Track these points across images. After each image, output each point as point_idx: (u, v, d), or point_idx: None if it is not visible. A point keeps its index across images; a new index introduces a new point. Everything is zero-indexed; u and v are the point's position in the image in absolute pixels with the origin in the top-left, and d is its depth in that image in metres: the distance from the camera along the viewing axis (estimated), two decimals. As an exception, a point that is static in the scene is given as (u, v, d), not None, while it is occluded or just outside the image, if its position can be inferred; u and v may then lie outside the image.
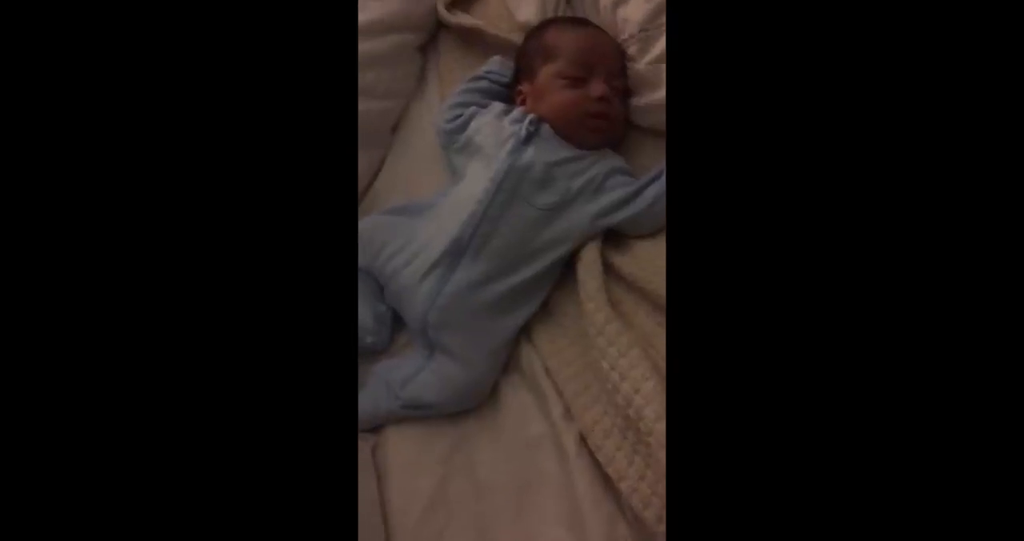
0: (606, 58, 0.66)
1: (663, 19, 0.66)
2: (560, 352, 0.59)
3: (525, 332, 0.61)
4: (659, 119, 0.66)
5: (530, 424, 0.58)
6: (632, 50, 0.68)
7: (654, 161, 0.67)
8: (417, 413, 0.59)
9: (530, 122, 0.64)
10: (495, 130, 0.65)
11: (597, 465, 0.54)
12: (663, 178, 0.63)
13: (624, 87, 0.67)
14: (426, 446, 0.58)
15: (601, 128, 0.65)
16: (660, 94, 0.65)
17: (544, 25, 0.70)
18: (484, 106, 0.69)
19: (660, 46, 0.65)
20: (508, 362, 0.61)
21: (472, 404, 0.59)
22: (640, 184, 0.63)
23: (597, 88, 0.64)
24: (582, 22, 0.70)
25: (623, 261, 0.62)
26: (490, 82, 0.72)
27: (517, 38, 0.74)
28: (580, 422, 0.55)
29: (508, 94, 0.72)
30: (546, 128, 0.64)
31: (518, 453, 0.57)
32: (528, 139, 0.63)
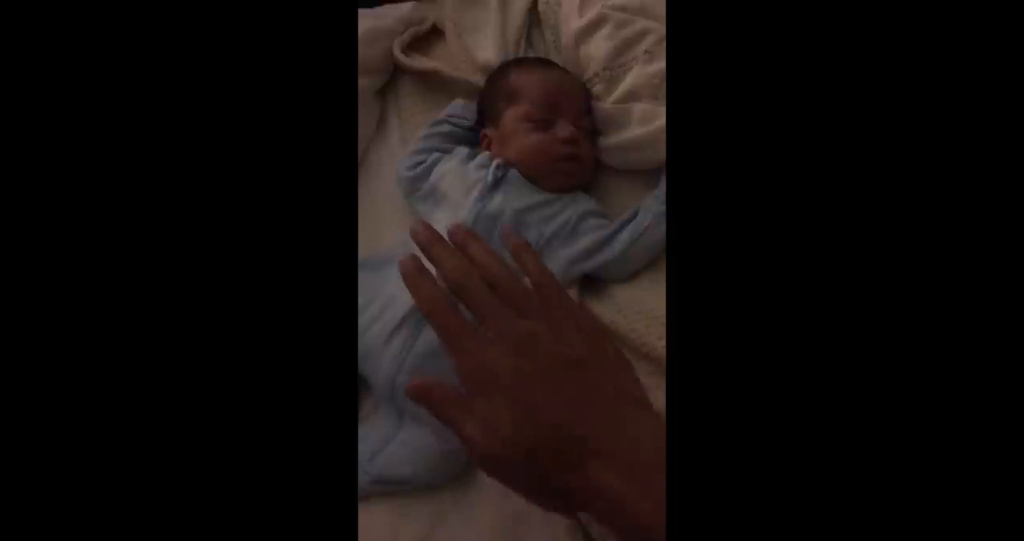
0: (571, 98, 0.64)
1: (627, 57, 0.65)
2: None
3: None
4: (629, 158, 0.64)
5: (514, 495, 0.53)
6: (597, 89, 0.66)
7: (626, 201, 0.65)
8: (388, 489, 0.54)
9: (497, 167, 0.61)
10: (460, 176, 0.62)
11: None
12: (637, 219, 0.60)
13: (591, 127, 0.65)
14: (398, 526, 0.52)
15: (571, 171, 0.62)
16: (629, 133, 0.63)
17: (505, 67, 0.68)
18: (448, 151, 0.66)
19: (626, 84, 0.63)
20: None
21: (449, 477, 0.54)
22: (615, 227, 0.60)
23: (564, 130, 0.61)
24: (545, 63, 0.68)
25: (603, 309, 0.59)
26: (452, 126, 0.69)
27: (478, 80, 0.71)
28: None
29: (472, 138, 0.69)
30: (514, 173, 0.61)
31: (503, 529, 0.51)
32: (496, 185, 0.60)
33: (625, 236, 0.59)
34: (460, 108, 0.71)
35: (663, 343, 0.54)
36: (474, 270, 0.40)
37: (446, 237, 0.42)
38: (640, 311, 0.57)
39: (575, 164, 0.62)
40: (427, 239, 0.42)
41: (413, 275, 0.40)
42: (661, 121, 0.61)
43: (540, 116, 0.62)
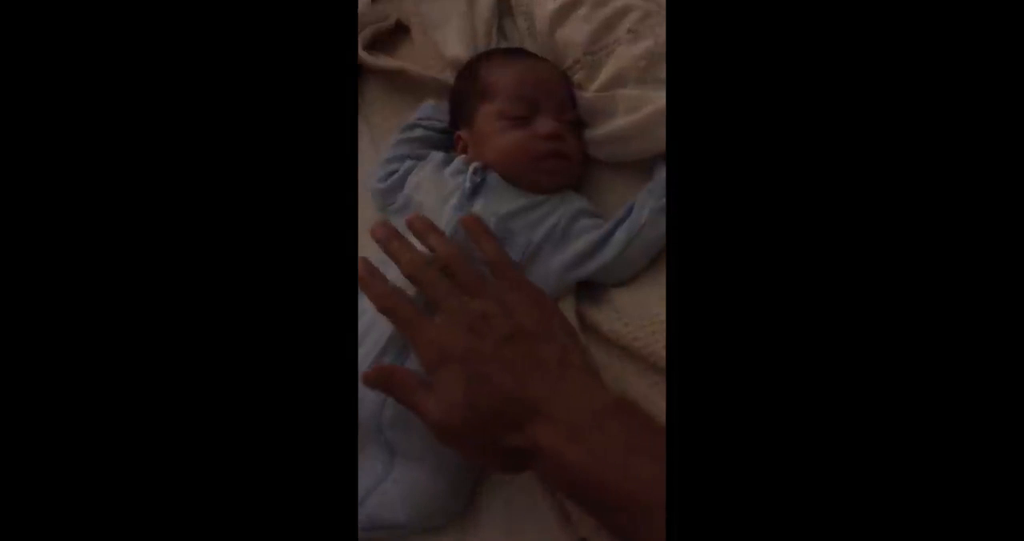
0: (551, 90, 0.58)
1: (608, 38, 0.59)
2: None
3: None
4: (619, 150, 0.59)
5: (520, 535, 0.48)
6: (579, 77, 0.60)
7: (621, 197, 0.59)
8: (380, 535, 0.48)
9: (474, 171, 0.55)
10: (436, 185, 0.56)
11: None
12: (632, 216, 0.54)
13: (576, 119, 0.60)
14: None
15: (556, 169, 0.56)
16: (617, 123, 0.57)
17: (475, 61, 0.62)
18: (421, 158, 0.61)
19: (610, 69, 0.58)
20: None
21: (447, 518, 0.49)
22: (609, 227, 0.55)
23: (545, 125, 0.56)
24: (518, 52, 0.62)
25: (602, 317, 0.53)
26: (425, 130, 0.64)
27: (449, 77, 0.66)
28: (581, 528, 0.46)
29: (448, 141, 0.63)
30: (494, 176, 0.56)
31: (509, 574, 0.47)
32: (475, 191, 0.55)
33: (621, 236, 0.54)
34: (432, 109, 0.65)
35: (672, 352, 0.49)
36: (428, 260, 0.44)
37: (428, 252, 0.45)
38: (643, 317, 0.52)
39: (560, 162, 0.56)
40: (383, 236, 0.46)
41: (364, 277, 0.44)
42: (651, 107, 0.55)
43: (517, 112, 0.56)
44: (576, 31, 0.59)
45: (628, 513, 0.34)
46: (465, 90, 0.60)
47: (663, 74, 0.56)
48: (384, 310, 0.43)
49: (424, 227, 0.48)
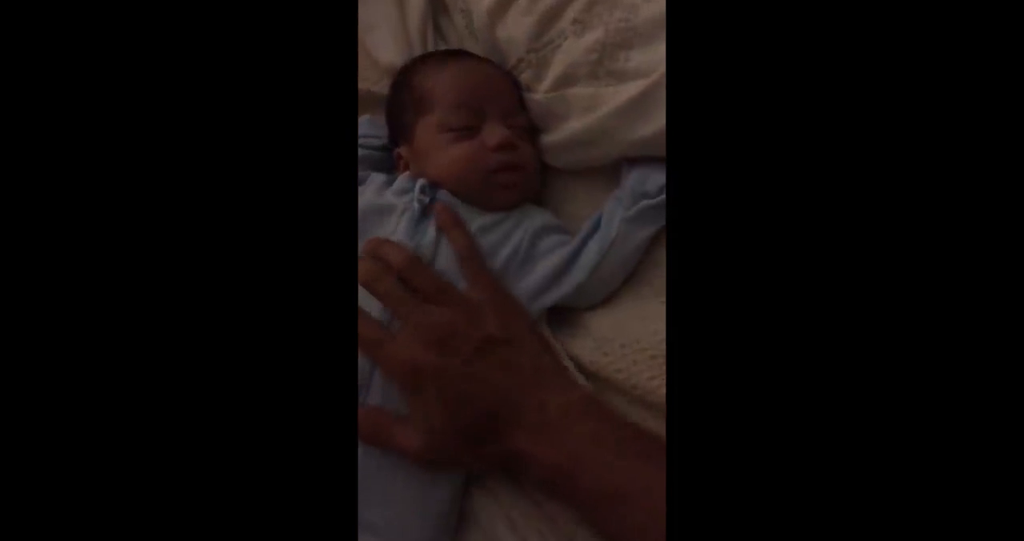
0: (496, 94, 0.52)
1: (553, 32, 0.52)
2: (524, 496, 0.44)
3: (476, 475, 0.46)
4: (576, 157, 0.52)
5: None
6: (526, 77, 0.54)
7: (586, 208, 0.53)
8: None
9: (422, 189, 0.49)
10: (380, 209, 0.50)
11: None
12: (602, 230, 0.48)
13: (528, 124, 0.53)
14: None
15: (512, 182, 0.50)
16: (572, 125, 0.51)
17: (408, 68, 0.55)
18: (361, 181, 0.54)
19: (558, 67, 0.51)
20: (460, 518, 0.45)
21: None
22: (577, 243, 0.49)
23: (494, 134, 0.49)
24: (455, 54, 0.56)
25: (578, 344, 0.48)
26: (362, 148, 0.57)
27: (384, 88, 0.59)
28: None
29: (389, 160, 0.57)
30: (444, 194, 0.50)
31: None
32: (424, 212, 0.48)
33: (591, 253, 0.48)
34: (368, 125, 0.58)
35: (657, 383, 0.43)
36: (382, 270, 0.42)
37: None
38: (623, 344, 0.46)
39: (515, 174, 0.50)
40: (365, 275, 0.43)
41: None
42: (606, 107, 0.49)
43: (461, 122, 0.50)
44: (517, 26, 0.53)
45: (608, 507, 0.35)
46: (400, 102, 0.54)
47: (619, 65, 0.50)
48: None
49: (376, 243, 0.46)
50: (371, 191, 0.52)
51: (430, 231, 0.47)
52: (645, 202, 0.47)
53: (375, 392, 0.43)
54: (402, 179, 0.51)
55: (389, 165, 0.57)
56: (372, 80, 0.62)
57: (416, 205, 0.48)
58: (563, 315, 0.50)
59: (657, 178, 0.48)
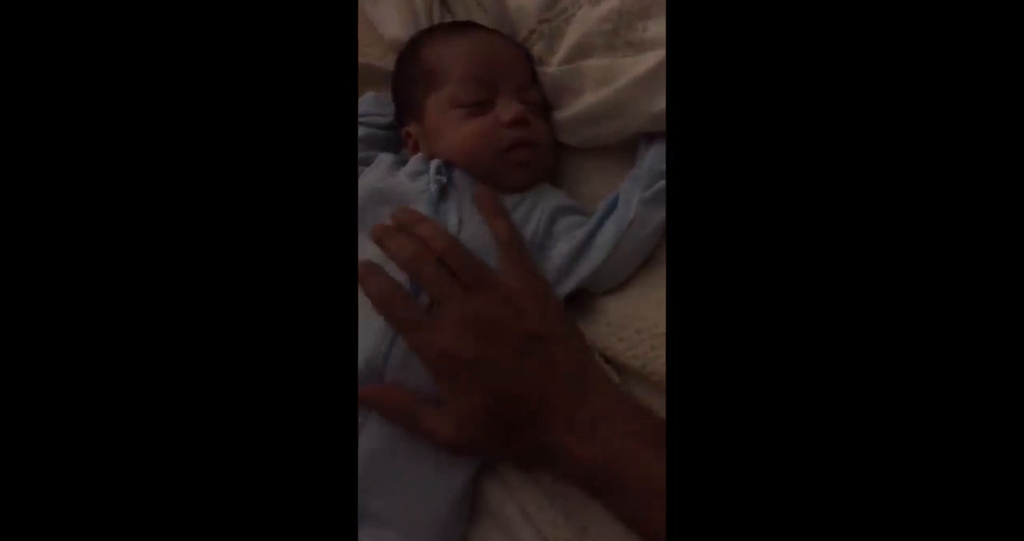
0: (509, 68, 0.49)
1: (565, 2, 0.50)
2: (537, 487, 0.42)
3: (489, 466, 0.44)
4: (591, 133, 0.50)
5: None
6: (538, 49, 0.51)
7: (602, 188, 0.51)
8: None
9: (438, 169, 0.47)
10: (391, 192, 0.47)
11: None
12: (619, 211, 0.46)
13: (540, 99, 0.51)
14: None
15: (527, 159, 0.48)
16: (587, 100, 0.48)
17: (416, 42, 0.53)
18: (367, 162, 0.52)
19: (571, 38, 0.49)
20: (472, 508, 0.44)
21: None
22: (592, 224, 0.47)
23: (508, 110, 0.47)
24: (464, 27, 0.53)
25: (595, 330, 0.46)
26: (367, 127, 0.55)
27: (389, 63, 0.57)
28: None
29: (396, 138, 0.55)
30: (460, 174, 0.47)
31: None
32: (442, 194, 0.46)
33: (608, 234, 0.46)
34: (373, 102, 0.56)
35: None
36: (422, 250, 0.41)
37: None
38: (641, 329, 0.44)
39: (530, 150, 0.48)
40: (379, 234, 0.43)
41: (362, 274, 0.41)
42: (623, 79, 0.47)
43: (472, 98, 0.47)
44: (528, -5, 0.51)
45: (657, 504, 0.34)
46: (408, 78, 0.51)
47: (636, 35, 0.47)
48: (380, 308, 0.40)
49: (411, 219, 0.43)
50: (379, 172, 0.50)
51: (452, 215, 0.45)
52: (661, 182, 0.45)
53: (392, 370, 0.41)
54: (415, 160, 0.49)
55: (396, 144, 0.55)
56: (376, 56, 0.60)
57: (434, 186, 0.46)
58: (578, 299, 0.48)
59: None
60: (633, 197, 0.46)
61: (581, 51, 0.48)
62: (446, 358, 0.38)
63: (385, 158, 0.51)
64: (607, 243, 0.46)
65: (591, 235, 0.46)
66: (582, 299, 0.48)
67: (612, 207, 0.47)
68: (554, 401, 0.38)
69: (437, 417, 0.39)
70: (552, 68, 0.50)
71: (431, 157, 0.48)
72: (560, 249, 0.46)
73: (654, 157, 0.46)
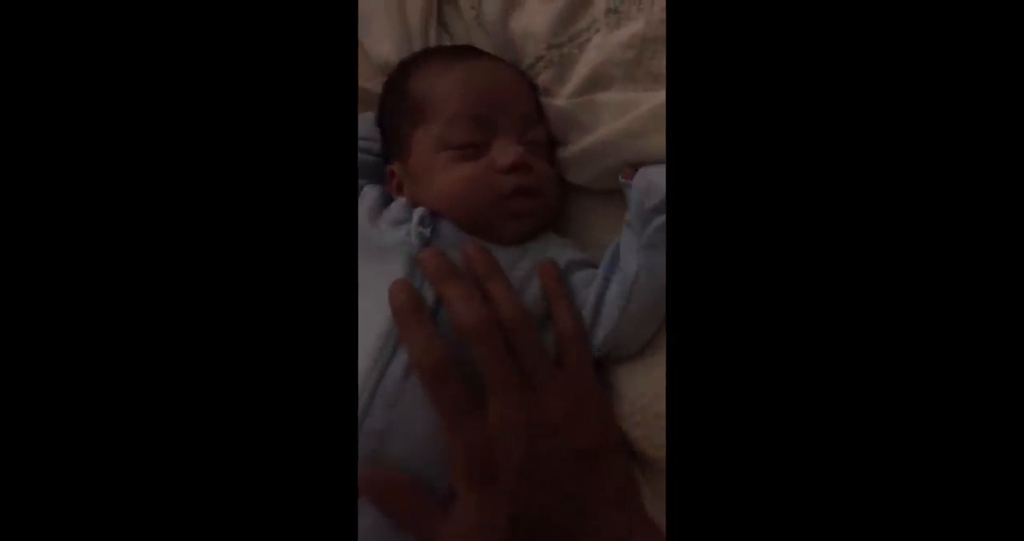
0: (509, 102, 0.43)
1: (581, 23, 0.43)
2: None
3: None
4: (603, 169, 0.43)
5: None
6: (546, 78, 0.45)
7: (614, 232, 0.44)
8: None
9: (421, 220, 0.40)
10: (367, 239, 0.41)
11: None
12: (623, 270, 0.39)
13: (546, 137, 0.44)
14: None
15: (527, 210, 0.41)
16: (597, 137, 0.42)
17: (405, 68, 0.46)
18: (352, 196, 0.46)
19: (586, 66, 0.42)
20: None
21: None
22: (598, 283, 0.40)
23: (506, 153, 0.41)
24: (461, 53, 0.46)
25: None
26: (360, 153, 0.48)
27: (379, 85, 0.50)
28: None
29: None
30: (447, 225, 0.41)
31: None
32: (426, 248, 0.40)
33: (613, 296, 0.39)
34: (364, 124, 0.50)
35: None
36: (492, 327, 0.35)
37: (372, 335, 0.36)
38: (660, 413, 0.37)
39: (530, 200, 0.41)
40: (437, 271, 0.37)
41: (405, 313, 0.36)
42: (639, 109, 0.40)
43: (465, 138, 0.41)
44: (536, 16, 0.44)
45: None
46: (394, 109, 0.45)
47: (661, 66, 0.41)
48: (427, 379, 0.34)
49: (486, 265, 0.37)
50: (363, 212, 0.43)
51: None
52: (657, 220, 0.38)
53: (376, 418, 0.36)
54: (398, 205, 0.43)
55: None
56: (365, 76, 0.54)
57: (415, 240, 0.40)
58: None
59: (660, 182, 0.38)
60: (632, 248, 0.39)
61: (596, 82, 0.42)
62: (486, 461, 0.34)
63: (370, 192, 0.45)
64: (614, 308, 0.39)
65: (598, 298, 0.40)
66: (598, 371, 0.41)
67: (612, 263, 0.40)
68: (591, 522, 0.34)
69: (447, 525, 0.34)
70: (561, 101, 0.43)
71: (415, 203, 0.42)
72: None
73: (640, 190, 0.39)
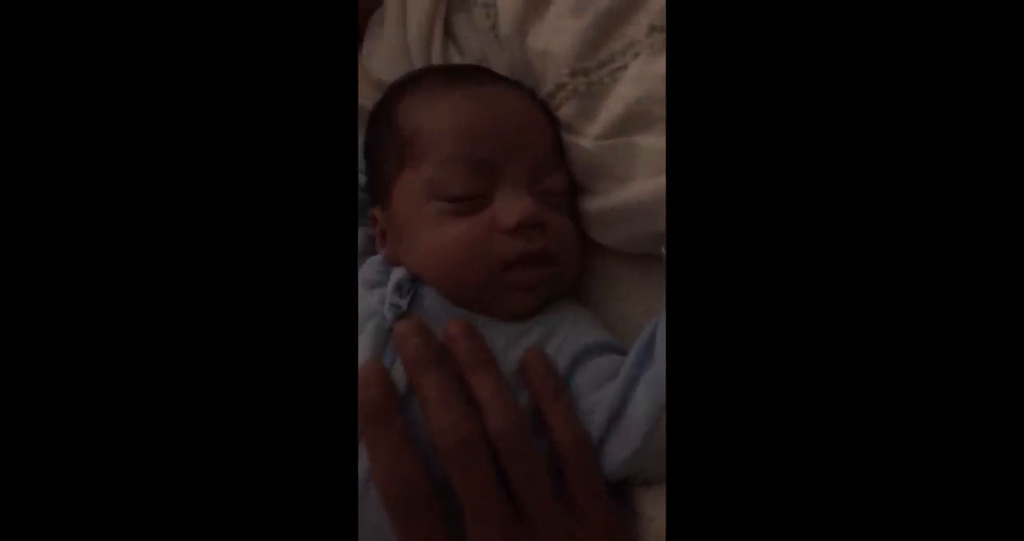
0: (519, 140, 0.34)
1: (615, 45, 0.34)
2: None
3: None
4: (635, 234, 0.35)
5: None
6: (567, 111, 0.36)
7: (641, 306, 0.36)
8: None
9: (399, 288, 0.33)
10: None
11: None
12: (655, 362, 0.31)
13: (565, 187, 0.36)
14: None
15: (533, 282, 0.33)
16: (633, 193, 0.33)
17: (394, 92, 0.38)
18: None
19: (618, 102, 0.33)
20: None
21: None
22: (623, 381, 0.31)
23: (510, 209, 0.32)
24: (465, 74, 0.38)
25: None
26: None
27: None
28: None
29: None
30: (431, 294, 0.33)
31: None
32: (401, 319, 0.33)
33: (642, 403, 0.30)
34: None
35: None
36: (473, 432, 0.29)
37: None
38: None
39: (542, 270, 0.33)
40: (415, 360, 0.30)
41: (371, 416, 0.29)
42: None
43: (460, 189, 0.33)
44: (561, 34, 0.35)
45: None
46: (378, 143, 0.37)
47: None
48: (393, 505, 0.28)
49: (473, 354, 0.30)
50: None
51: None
52: None
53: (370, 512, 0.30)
54: (373, 263, 0.35)
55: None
56: (364, 94, 0.46)
57: (389, 312, 0.32)
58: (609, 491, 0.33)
59: None
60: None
61: (633, 122, 0.33)
62: None
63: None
64: (643, 417, 0.30)
65: (623, 401, 0.31)
66: (612, 492, 0.32)
67: (646, 354, 0.31)
68: None
69: None
70: (588, 141, 0.35)
71: (395, 263, 0.34)
72: (593, 421, 0.31)
73: None
